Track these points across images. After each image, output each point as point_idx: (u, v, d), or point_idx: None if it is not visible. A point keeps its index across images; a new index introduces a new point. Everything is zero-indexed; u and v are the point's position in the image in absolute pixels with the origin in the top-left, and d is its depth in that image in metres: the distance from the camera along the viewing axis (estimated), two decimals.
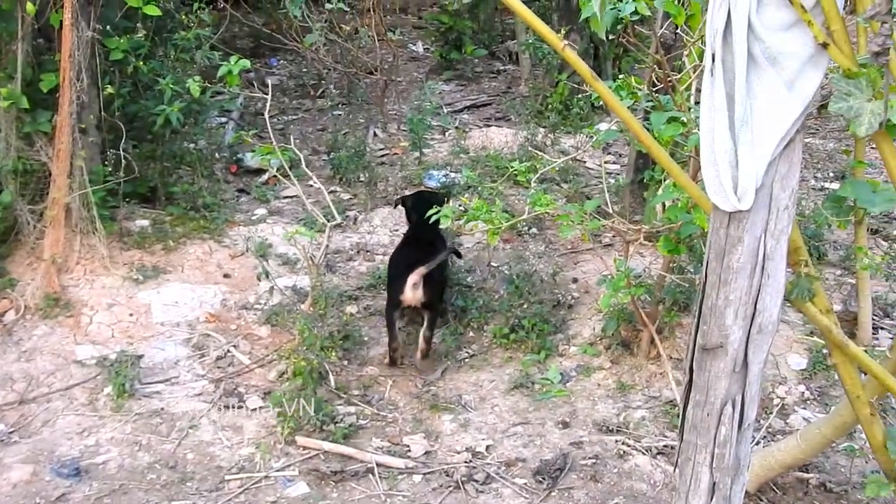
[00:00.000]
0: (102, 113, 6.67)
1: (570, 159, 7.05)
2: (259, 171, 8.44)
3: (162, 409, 5.41)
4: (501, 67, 11.95)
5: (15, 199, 6.44)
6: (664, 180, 6.10)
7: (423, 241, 6.18)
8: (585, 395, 5.61)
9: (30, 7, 6.10)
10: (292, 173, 6.22)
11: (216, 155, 7.95)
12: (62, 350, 5.82)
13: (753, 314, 2.61)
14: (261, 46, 11.60)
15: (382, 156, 9.04)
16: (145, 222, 6.95)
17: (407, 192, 7.42)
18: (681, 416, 2.84)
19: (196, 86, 6.08)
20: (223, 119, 9.28)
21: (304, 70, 11.07)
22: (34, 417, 5.28)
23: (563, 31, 9.44)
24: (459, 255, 6.56)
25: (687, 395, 2.79)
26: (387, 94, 9.94)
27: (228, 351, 5.93)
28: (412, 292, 5.78)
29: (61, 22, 6.25)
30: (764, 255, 2.54)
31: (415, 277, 5.75)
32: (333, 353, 5.60)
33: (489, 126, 9.73)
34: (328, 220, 5.77)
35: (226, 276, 6.66)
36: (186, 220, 7.09)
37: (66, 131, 6.31)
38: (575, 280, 6.61)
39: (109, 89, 6.52)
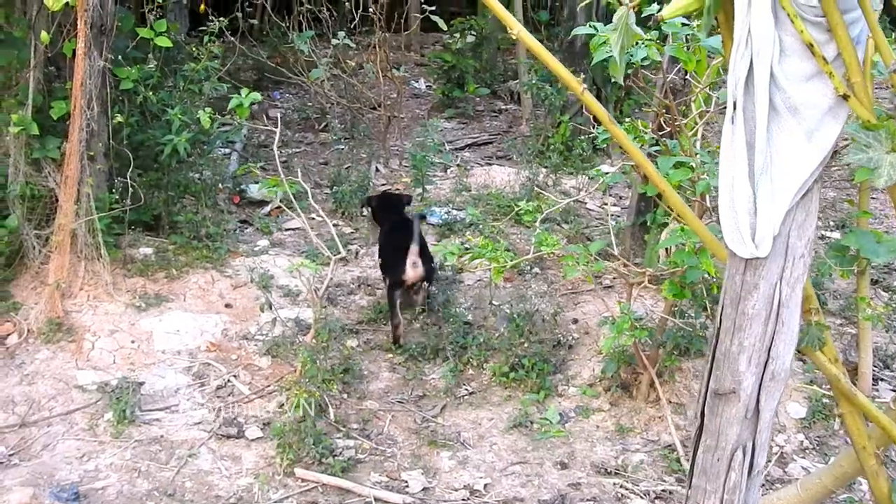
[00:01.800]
0: (111, 141, 6.71)
1: (573, 200, 7.09)
2: (262, 203, 8.50)
3: (161, 436, 5.40)
4: (503, 107, 12.05)
5: (21, 223, 6.47)
6: (667, 224, 6.17)
7: (404, 228, 6.66)
8: (584, 437, 5.62)
9: (44, 36, 6.15)
10: (297, 206, 6.26)
11: (219, 185, 7.98)
12: (64, 374, 5.82)
13: (767, 361, 2.64)
14: (264, 79, 11.69)
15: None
16: (149, 250, 6.97)
17: (372, 194, 7.77)
18: (690, 461, 2.86)
19: (207, 117, 6.13)
20: (226, 150, 9.34)
21: (308, 104, 11.16)
22: (34, 441, 5.27)
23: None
24: (424, 218, 7.65)
25: (697, 440, 2.82)
26: (390, 129, 10.02)
27: (229, 380, 5.93)
28: (413, 271, 6.39)
29: (74, 51, 6.32)
30: (779, 303, 2.58)
31: (413, 257, 6.37)
32: (334, 386, 5.61)
33: (491, 164, 9.80)
34: (333, 254, 5.80)
35: (227, 305, 6.67)
36: (189, 249, 7.11)
37: (75, 158, 6.35)
38: (575, 321, 6.64)
39: (119, 118, 6.58)
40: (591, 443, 5.57)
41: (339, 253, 6.03)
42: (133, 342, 6.15)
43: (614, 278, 7.03)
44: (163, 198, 7.26)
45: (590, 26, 4.49)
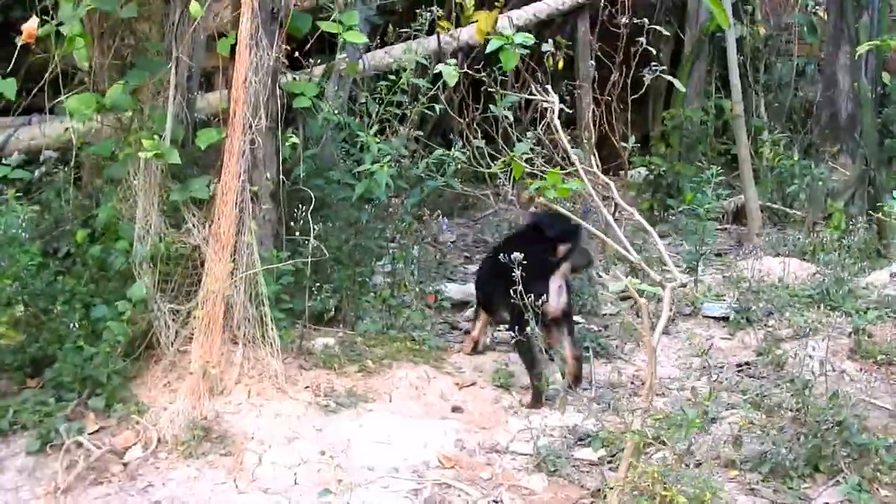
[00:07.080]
0: (281, 176, 4.66)
1: None
2: (464, 305, 6.07)
3: None
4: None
5: (151, 294, 4.38)
6: None
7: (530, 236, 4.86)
8: None
9: (195, 7, 4.23)
10: None
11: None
12: (215, 502, 3.53)
13: None
14: None
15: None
16: (329, 340, 4.76)
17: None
18: None
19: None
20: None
21: None
22: None
23: None
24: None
25: None
26: None
27: None
28: (557, 299, 4.59)
29: (232, 47, 4.43)
30: None
31: (559, 280, 4.61)
32: None
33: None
34: (665, 282, 3.42)
35: (455, 409, 4.39)
36: (386, 340, 4.88)
37: (232, 195, 4.31)
38: None
39: (294, 139, 4.55)
40: None
41: (676, 279, 3.66)
42: (323, 454, 3.85)
43: None
44: (347, 273, 5.05)
45: None
